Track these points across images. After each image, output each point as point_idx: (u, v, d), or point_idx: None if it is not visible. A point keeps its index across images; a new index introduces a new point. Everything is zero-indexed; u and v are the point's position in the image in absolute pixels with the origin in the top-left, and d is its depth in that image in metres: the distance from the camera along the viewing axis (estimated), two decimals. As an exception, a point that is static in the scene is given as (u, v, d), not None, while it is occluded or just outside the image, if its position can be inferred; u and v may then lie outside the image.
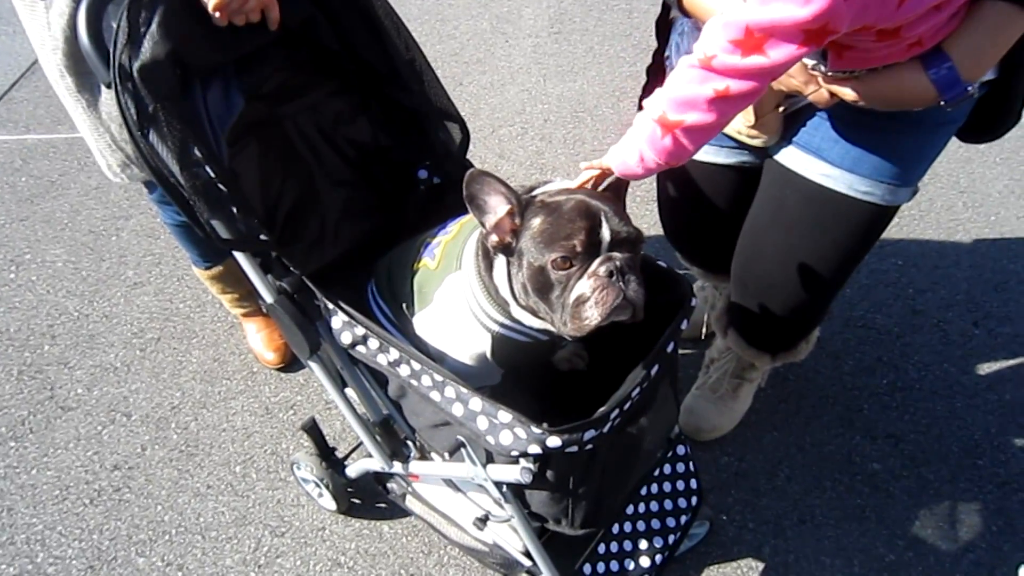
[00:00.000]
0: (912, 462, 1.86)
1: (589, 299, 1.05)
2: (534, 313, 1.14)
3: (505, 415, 1.05)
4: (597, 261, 1.05)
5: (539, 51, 3.31)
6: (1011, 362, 2.06)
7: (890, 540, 1.72)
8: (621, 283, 1.05)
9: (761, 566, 1.68)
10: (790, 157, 1.37)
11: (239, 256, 1.22)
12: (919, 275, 2.27)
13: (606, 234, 1.05)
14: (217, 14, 1.13)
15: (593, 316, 1.05)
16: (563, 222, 1.05)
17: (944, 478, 1.82)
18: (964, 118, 1.27)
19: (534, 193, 1.13)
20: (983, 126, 1.29)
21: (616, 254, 1.06)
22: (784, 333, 1.69)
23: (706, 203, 1.62)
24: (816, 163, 1.32)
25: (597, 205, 1.06)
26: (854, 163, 1.30)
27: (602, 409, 1.05)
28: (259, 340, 2.12)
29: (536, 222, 1.07)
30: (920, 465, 1.85)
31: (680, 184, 1.64)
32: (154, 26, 1.07)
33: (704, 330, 2.09)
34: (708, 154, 1.51)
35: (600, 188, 1.17)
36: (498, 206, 1.09)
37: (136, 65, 1.05)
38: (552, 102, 3.02)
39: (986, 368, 2.05)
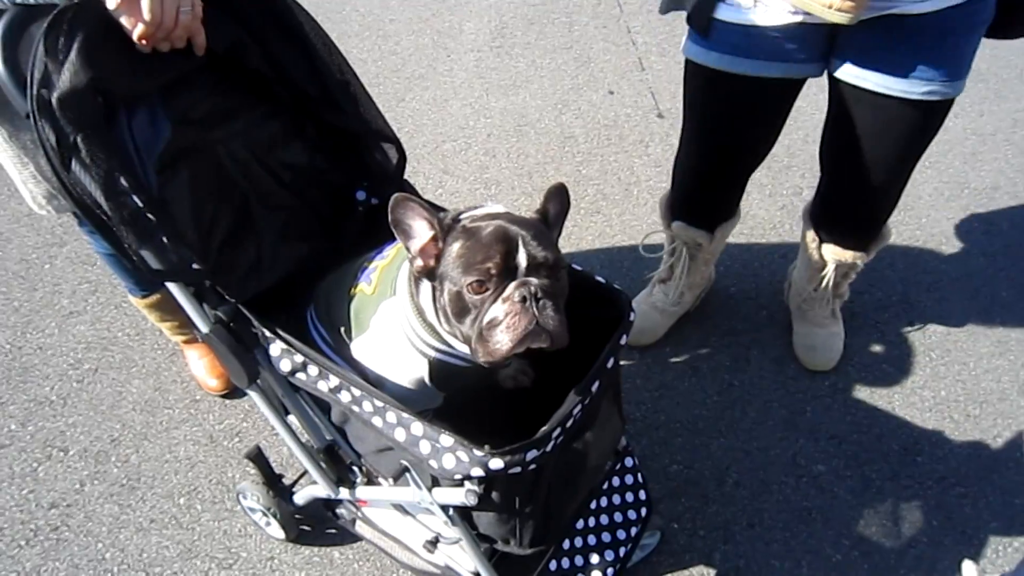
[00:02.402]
0: (855, 462, 1.90)
1: (501, 323, 1.04)
2: (456, 338, 1.14)
3: (447, 439, 1.04)
4: (512, 285, 1.04)
5: (481, 66, 3.32)
6: (945, 359, 2.13)
7: (836, 540, 1.76)
8: (535, 309, 1.03)
9: (712, 573, 1.70)
10: (888, 84, 1.51)
11: (172, 286, 1.19)
12: (856, 278, 2.32)
13: (522, 259, 1.05)
14: (142, 42, 1.10)
15: (503, 341, 1.04)
16: (480, 246, 1.05)
17: (886, 476, 1.87)
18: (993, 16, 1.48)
19: (461, 217, 1.13)
20: (1006, 21, 1.50)
21: (532, 279, 1.05)
22: (878, 222, 1.90)
23: (748, 122, 1.75)
24: (918, 82, 1.49)
25: (516, 230, 1.06)
26: (947, 68, 1.48)
27: (543, 429, 1.05)
28: (201, 367, 2.07)
29: (456, 247, 1.07)
30: (863, 464, 1.90)
31: (722, 109, 1.75)
32: (73, 54, 1.04)
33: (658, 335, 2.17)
34: (759, 68, 1.58)
35: (537, 210, 1.16)
36: (422, 231, 1.09)
37: (55, 95, 1.03)
38: (495, 116, 3.03)
39: (921, 367, 2.12)
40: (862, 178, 1.72)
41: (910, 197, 2.62)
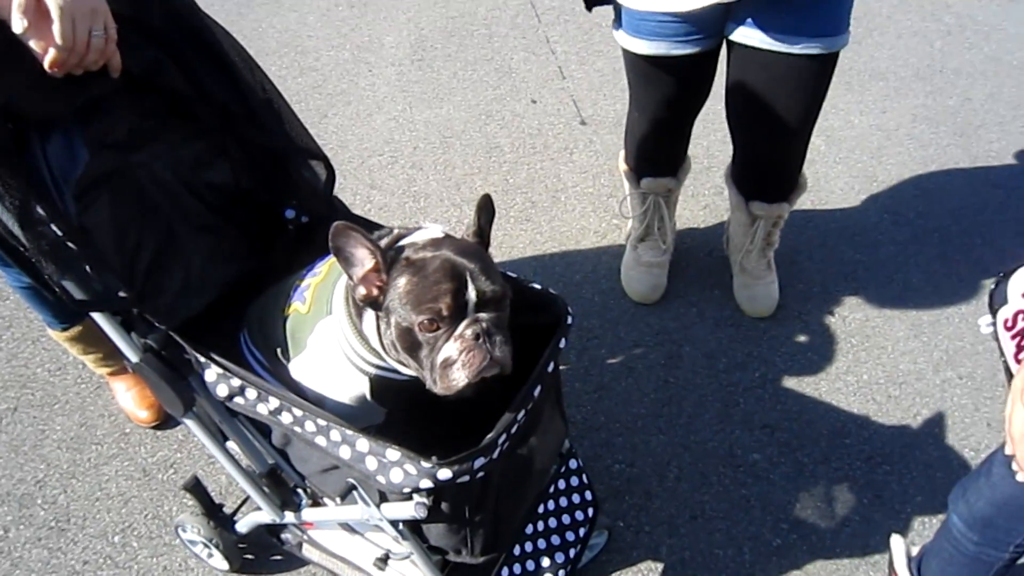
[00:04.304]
0: (788, 448, 1.97)
1: (456, 362, 1.06)
2: (405, 366, 1.14)
3: (393, 453, 1.04)
4: (464, 323, 1.06)
5: (403, 79, 3.32)
6: (865, 345, 2.23)
7: (775, 525, 1.82)
8: (487, 344, 1.06)
9: (660, 567, 1.74)
10: (772, 42, 1.70)
11: (97, 316, 1.16)
12: (779, 271, 2.41)
13: (472, 295, 1.06)
14: (54, 70, 1.07)
15: (460, 378, 1.06)
16: (429, 283, 1.05)
17: (817, 460, 1.95)
18: None
19: (402, 243, 1.13)
20: None
21: (482, 315, 1.06)
22: (790, 174, 2.11)
23: (679, 88, 1.95)
24: (798, 39, 1.68)
25: (463, 264, 1.06)
26: (823, 27, 1.68)
27: (489, 436, 1.06)
28: (129, 399, 2.00)
29: (402, 282, 1.07)
30: (795, 450, 1.97)
31: (653, 89, 1.99)
32: (-21, 79, 1.00)
33: None
34: (674, 46, 1.79)
35: (474, 231, 1.17)
36: (364, 259, 1.08)
37: (-39, 122, 0.99)
38: (420, 129, 3.03)
39: (844, 353, 2.21)
40: (764, 133, 1.93)
41: (823, 192, 2.74)
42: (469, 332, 1.05)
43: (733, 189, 2.21)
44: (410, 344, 1.08)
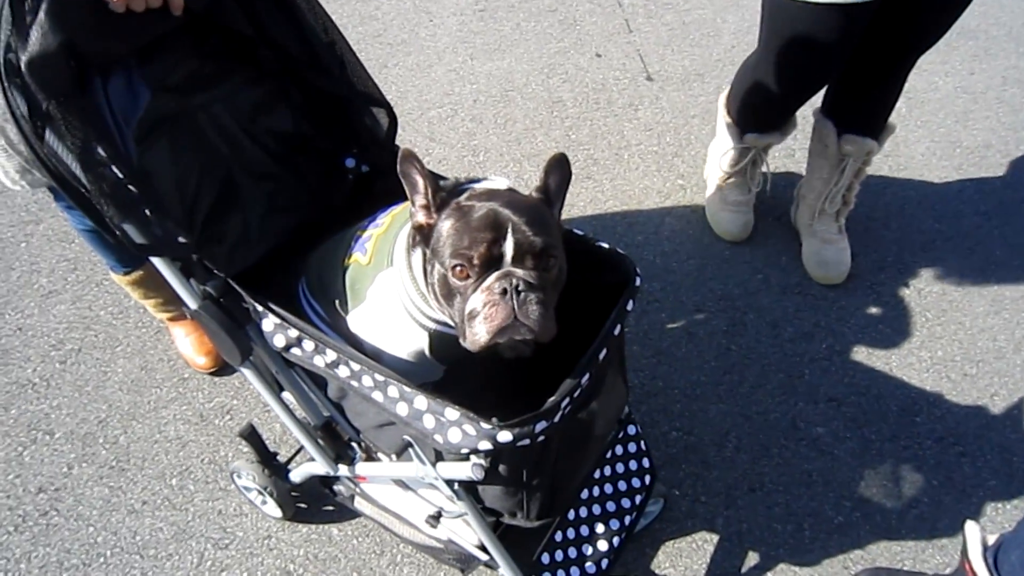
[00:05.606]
0: (854, 423, 1.89)
1: (479, 315, 1.01)
2: (444, 315, 1.11)
3: (452, 412, 1.01)
4: (493, 276, 1.01)
5: (465, 29, 3.24)
6: (941, 319, 2.12)
7: (837, 502, 1.75)
8: (515, 302, 1.00)
9: (715, 538, 1.69)
10: None
11: (157, 261, 1.14)
12: (851, 239, 2.30)
13: (508, 248, 1.01)
14: (115, 1, 1.04)
15: (481, 333, 1.01)
16: (467, 230, 1.01)
17: (885, 437, 1.87)
18: None
19: (463, 188, 1.09)
20: None
21: (518, 270, 1.01)
22: (891, 106, 2.09)
23: (834, 48, 1.83)
24: None
25: (507, 215, 1.01)
26: None
27: (552, 399, 1.01)
28: (188, 344, 2.02)
29: (446, 226, 1.04)
30: (862, 426, 1.89)
31: (814, 41, 1.83)
32: (42, 15, 0.98)
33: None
34: None
35: (538, 187, 1.12)
36: (423, 189, 1.08)
37: (24, 59, 0.97)
38: (481, 81, 2.96)
39: (918, 327, 2.10)
40: (887, 59, 1.94)
41: (902, 157, 2.60)
42: (497, 285, 1.00)
43: (827, 124, 2.12)
44: (447, 291, 1.05)
